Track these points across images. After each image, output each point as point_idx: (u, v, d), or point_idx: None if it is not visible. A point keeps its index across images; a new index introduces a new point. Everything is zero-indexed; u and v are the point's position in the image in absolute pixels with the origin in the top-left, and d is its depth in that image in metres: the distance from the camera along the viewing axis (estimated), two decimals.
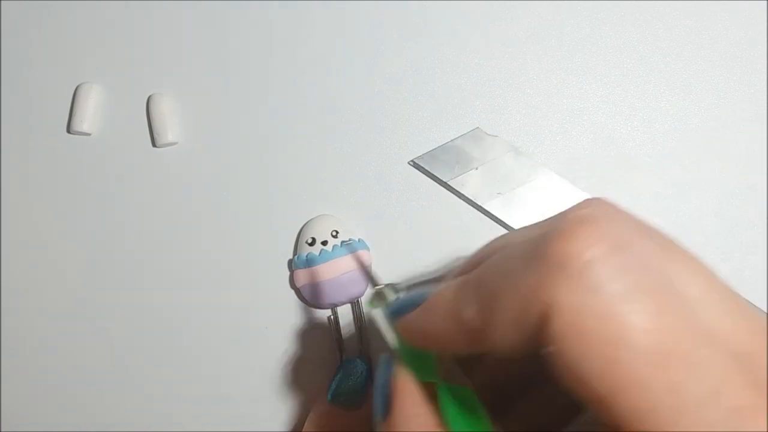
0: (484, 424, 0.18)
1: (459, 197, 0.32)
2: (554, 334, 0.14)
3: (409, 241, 0.31)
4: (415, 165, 0.32)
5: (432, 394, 0.18)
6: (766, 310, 0.30)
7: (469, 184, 0.31)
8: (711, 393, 0.13)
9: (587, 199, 0.17)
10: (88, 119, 0.33)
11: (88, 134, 0.33)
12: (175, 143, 0.33)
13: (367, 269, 0.28)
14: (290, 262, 0.32)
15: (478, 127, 0.32)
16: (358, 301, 0.30)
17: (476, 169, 0.31)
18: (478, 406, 0.18)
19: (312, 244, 0.30)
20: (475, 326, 0.16)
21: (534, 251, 0.15)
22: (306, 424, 0.29)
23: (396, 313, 0.20)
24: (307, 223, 0.31)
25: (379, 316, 0.22)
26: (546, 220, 0.18)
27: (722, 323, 0.15)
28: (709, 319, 0.15)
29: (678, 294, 0.15)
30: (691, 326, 0.14)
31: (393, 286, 0.24)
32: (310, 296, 0.30)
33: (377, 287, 0.24)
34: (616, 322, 0.14)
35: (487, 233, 0.31)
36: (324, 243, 0.30)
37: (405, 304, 0.20)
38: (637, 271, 0.14)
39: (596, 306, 0.14)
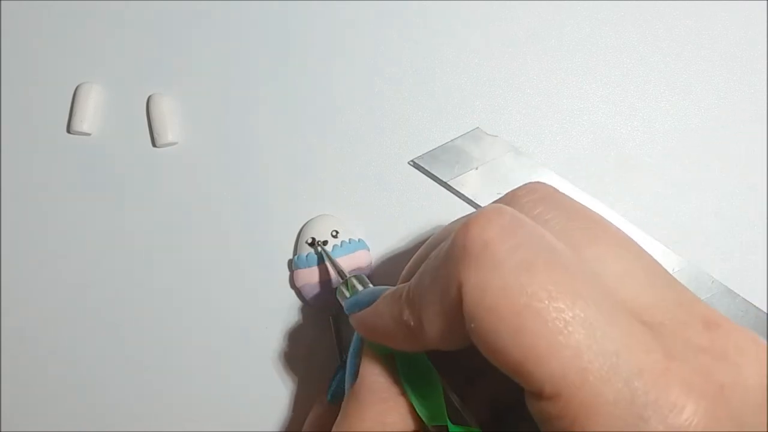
0: (436, 385, 0.19)
1: (459, 197, 0.32)
2: (467, 313, 0.15)
3: (409, 241, 0.31)
4: (415, 165, 0.32)
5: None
6: (766, 310, 0.30)
7: (469, 184, 0.31)
8: (611, 355, 0.14)
9: (528, 182, 0.19)
10: (88, 119, 0.33)
11: (88, 134, 0.33)
12: (175, 143, 0.33)
13: (333, 260, 0.28)
14: (290, 262, 0.32)
15: (478, 127, 0.32)
16: None
17: (476, 169, 0.31)
18: (431, 369, 0.20)
19: (312, 244, 0.30)
20: (411, 326, 0.18)
21: (447, 243, 0.17)
22: (306, 424, 0.29)
23: (356, 306, 0.21)
24: (307, 223, 0.31)
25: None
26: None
27: (642, 296, 0.16)
28: (629, 292, 0.16)
29: (582, 267, 0.16)
30: (591, 294, 0.15)
31: (360, 278, 0.25)
32: (310, 296, 0.30)
33: (344, 279, 0.25)
34: (516, 294, 0.15)
35: None
36: (324, 243, 0.30)
37: (364, 299, 0.21)
38: (532, 248, 0.15)
39: (496, 281, 0.15)
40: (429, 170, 0.32)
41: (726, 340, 0.15)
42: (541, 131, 0.32)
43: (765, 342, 0.15)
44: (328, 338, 0.31)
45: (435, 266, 0.17)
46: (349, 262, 0.30)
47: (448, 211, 0.32)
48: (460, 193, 0.31)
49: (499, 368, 0.15)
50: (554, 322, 0.14)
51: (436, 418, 0.19)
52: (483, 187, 0.31)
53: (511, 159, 0.31)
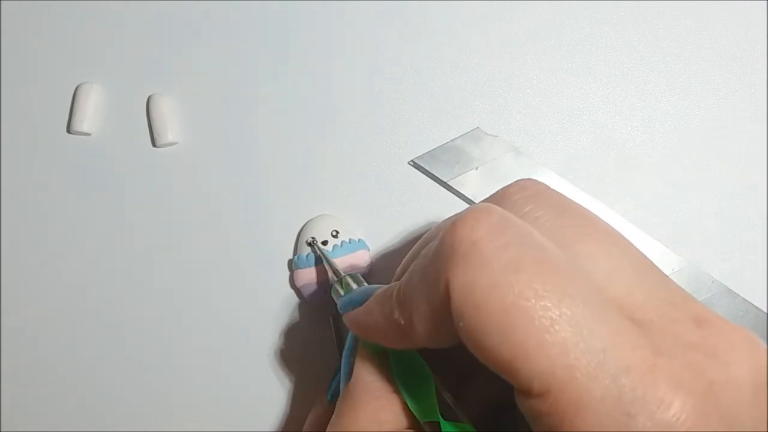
0: (429, 383, 0.19)
1: (459, 197, 0.32)
2: (455, 312, 0.15)
3: (409, 241, 0.31)
4: (415, 165, 0.32)
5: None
6: (766, 310, 0.30)
7: (469, 184, 0.31)
8: (598, 352, 0.14)
9: (519, 179, 0.19)
10: (88, 119, 0.33)
11: (88, 134, 0.33)
12: (175, 143, 0.33)
13: (329, 259, 0.28)
14: (290, 262, 0.32)
15: (478, 127, 0.32)
16: None
17: (476, 169, 0.31)
18: (424, 367, 0.20)
19: (311, 243, 0.30)
20: (402, 324, 0.18)
21: (436, 242, 0.17)
22: (306, 424, 0.29)
23: (349, 304, 0.22)
24: (307, 223, 0.31)
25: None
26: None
27: (632, 293, 0.16)
28: (619, 289, 0.16)
29: (570, 265, 0.16)
30: (579, 292, 0.15)
31: (355, 277, 0.25)
32: (310, 296, 0.30)
33: (339, 277, 0.25)
34: (503, 293, 0.15)
35: None
36: (324, 243, 0.30)
37: (357, 297, 0.21)
38: (521, 247, 0.15)
39: (484, 280, 0.15)
40: (429, 170, 0.32)
41: (717, 337, 0.15)
42: (541, 131, 0.32)
43: (757, 339, 0.15)
44: (328, 338, 0.31)
45: (424, 265, 0.17)
46: (349, 261, 0.30)
47: (448, 211, 0.32)
48: (460, 193, 0.31)
49: (489, 366, 0.15)
50: (541, 320, 0.14)
51: (429, 415, 0.19)
52: (483, 187, 0.31)
53: (511, 159, 0.31)
